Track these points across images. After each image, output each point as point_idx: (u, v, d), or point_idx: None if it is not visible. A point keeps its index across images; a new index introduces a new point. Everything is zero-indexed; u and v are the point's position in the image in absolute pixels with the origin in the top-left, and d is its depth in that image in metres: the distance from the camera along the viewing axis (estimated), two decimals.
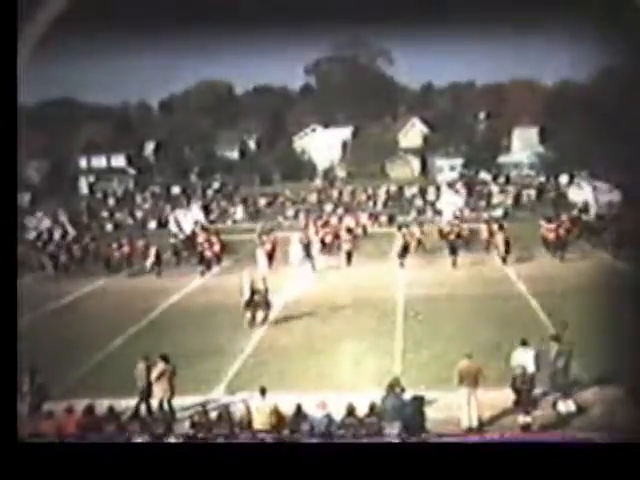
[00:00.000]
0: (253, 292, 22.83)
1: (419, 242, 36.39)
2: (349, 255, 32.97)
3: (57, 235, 46.57)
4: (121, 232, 47.65)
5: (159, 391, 15.67)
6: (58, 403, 14.81)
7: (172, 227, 41.13)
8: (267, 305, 23.09)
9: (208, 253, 33.43)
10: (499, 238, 32.30)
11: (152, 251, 33.65)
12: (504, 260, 31.31)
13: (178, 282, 30.59)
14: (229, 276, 29.70)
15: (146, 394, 15.97)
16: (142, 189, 65.20)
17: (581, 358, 16.64)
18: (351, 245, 33.53)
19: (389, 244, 34.76)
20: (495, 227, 34.89)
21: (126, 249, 35.70)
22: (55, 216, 51.90)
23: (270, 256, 32.78)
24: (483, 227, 37.16)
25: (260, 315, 22.91)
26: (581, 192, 45.16)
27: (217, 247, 34.68)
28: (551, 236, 32.89)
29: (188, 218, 41.63)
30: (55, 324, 24.94)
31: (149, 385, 15.99)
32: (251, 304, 22.80)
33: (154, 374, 15.75)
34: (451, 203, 46.01)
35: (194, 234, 39.32)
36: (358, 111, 72.76)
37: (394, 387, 14.47)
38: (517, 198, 53.30)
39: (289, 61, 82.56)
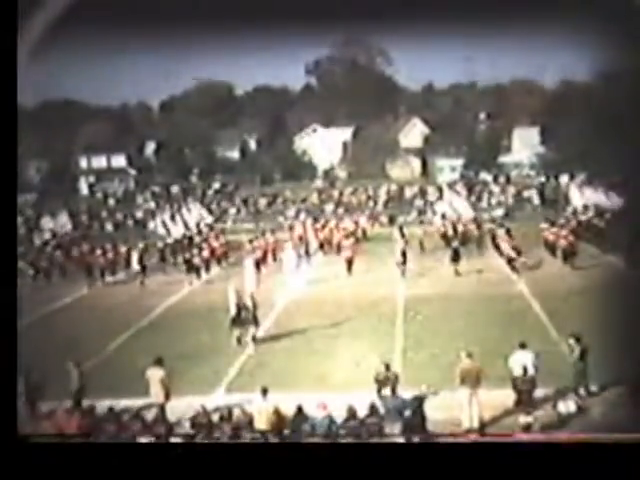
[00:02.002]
0: (239, 309, 21.25)
1: (420, 243, 36.48)
2: (349, 263, 31.53)
3: (38, 240, 44.48)
4: (121, 233, 47.69)
5: (154, 396, 15.46)
6: (58, 404, 14.83)
7: (159, 230, 39.08)
8: (255, 323, 21.23)
9: (197, 260, 31.67)
10: (506, 245, 30.96)
11: (134, 258, 32.58)
12: (513, 268, 29.61)
13: (164, 290, 30.01)
14: (228, 276, 29.59)
15: (79, 397, 15.88)
16: (142, 189, 65.28)
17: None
18: (351, 252, 32.23)
19: (389, 245, 34.66)
20: (501, 232, 33.52)
21: (110, 255, 34.28)
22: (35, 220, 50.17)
23: (262, 261, 32.34)
24: (483, 230, 37.04)
25: (248, 333, 21.08)
26: (589, 194, 44.39)
27: (206, 253, 32.96)
28: (562, 242, 31.30)
29: (177, 221, 40.36)
30: (53, 326, 24.97)
31: (81, 388, 16.00)
32: (237, 322, 21.20)
33: (145, 378, 15.61)
34: (456, 208, 45.55)
35: (186, 238, 38.24)
36: (359, 111, 72.77)
37: (387, 378, 15.20)
38: (518, 198, 53.34)
39: (289, 61, 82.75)
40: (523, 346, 15.53)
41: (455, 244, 31.52)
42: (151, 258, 34.98)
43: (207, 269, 32.60)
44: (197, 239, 37.86)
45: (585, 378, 15.89)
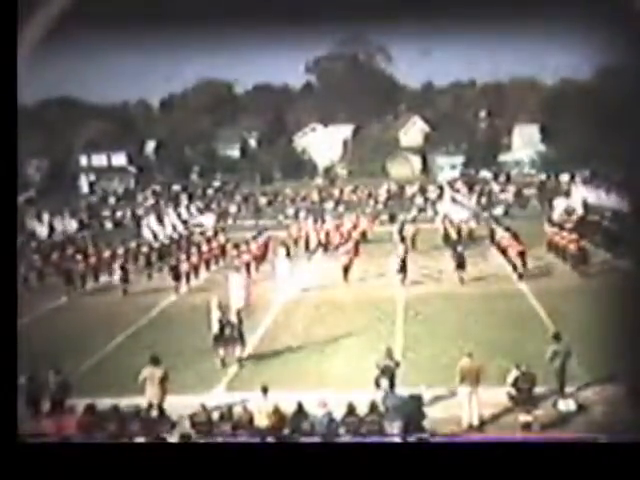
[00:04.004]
0: (223, 326, 19.28)
1: (421, 242, 36.44)
2: (346, 270, 29.46)
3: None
4: (121, 231, 47.58)
5: (149, 395, 15.32)
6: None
7: (146, 234, 37.69)
8: (241, 341, 19.35)
9: (185, 266, 29.95)
10: (513, 251, 29.52)
11: (116, 265, 31.05)
12: (520, 276, 28.06)
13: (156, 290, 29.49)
14: (223, 277, 29.27)
15: (59, 399, 15.50)
16: (143, 188, 65.24)
17: (582, 358, 16.67)
18: (348, 259, 30.11)
19: (390, 246, 34.56)
20: (506, 235, 32.19)
21: (93, 260, 32.30)
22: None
23: (258, 261, 32.20)
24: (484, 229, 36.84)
25: (232, 352, 19.22)
26: (591, 193, 43.98)
27: (195, 258, 31.38)
28: (571, 247, 29.64)
29: (166, 223, 39.57)
30: (53, 324, 24.96)
31: (62, 393, 15.60)
32: (221, 339, 19.23)
33: (140, 378, 15.50)
34: (458, 204, 45.38)
35: (173, 240, 37.49)
36: (359, 109, 72.80)
37: (387, 366, 15.35)
38: (518, 196, 53.30)
39: (289, 59, 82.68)
40: (518, 367, 15.03)
41: (460, 249, 29.36)
42: (140, 260, 34.02)
43: (196, 273, 31.04)
44: (184, 243, 37.14)
45: (557, 378, 15.82)
